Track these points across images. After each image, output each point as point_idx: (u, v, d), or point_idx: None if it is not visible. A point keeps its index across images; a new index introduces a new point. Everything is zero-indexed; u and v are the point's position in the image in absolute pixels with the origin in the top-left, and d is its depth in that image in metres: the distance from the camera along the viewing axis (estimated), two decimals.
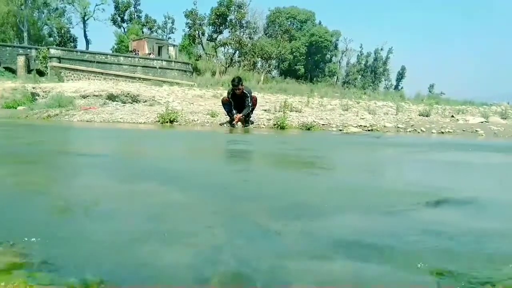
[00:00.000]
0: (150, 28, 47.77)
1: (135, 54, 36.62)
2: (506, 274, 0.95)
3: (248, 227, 1.31)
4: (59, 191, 1.82)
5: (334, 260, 1.02)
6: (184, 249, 1.06)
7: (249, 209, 1.55)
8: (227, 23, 40.73)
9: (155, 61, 35.33)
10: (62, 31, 46.36)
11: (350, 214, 1.54)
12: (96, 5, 47.81)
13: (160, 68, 34.57)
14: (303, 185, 2.18)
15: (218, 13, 39.32)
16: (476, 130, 8.43)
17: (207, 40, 43.11)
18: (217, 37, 41.67)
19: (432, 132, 8.22)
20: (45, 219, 1.32)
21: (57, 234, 1.14)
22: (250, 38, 42.39)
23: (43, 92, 13.96)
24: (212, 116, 8.93)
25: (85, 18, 47.69)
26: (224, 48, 43.22)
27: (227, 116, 8.13)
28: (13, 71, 30.09)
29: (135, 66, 33.82)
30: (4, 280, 0.79)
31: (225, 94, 8.69)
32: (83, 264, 0.92)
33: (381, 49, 56.59)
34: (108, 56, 33.64)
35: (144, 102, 12.57)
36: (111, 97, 12.68)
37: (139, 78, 30.62)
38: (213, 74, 35.36)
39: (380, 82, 56.69)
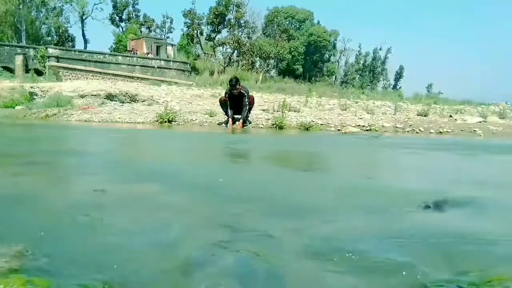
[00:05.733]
0: (148, 28, 47.64)
1: (134, 53, 36.54)
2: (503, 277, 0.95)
3: (244, 229, 1.31)
4: (57, 193, 1.82)
5: (330, 267, 1.02)
6: (180, 252, 1.06)
7: (245, 211, 1.55)
8: (225, 22, 40.72)
9: (153, 60, 35.27)
10: (60, 31, 46.21)
11: (347, 216, 1.54)
12: (94, 4, 47.72)
13: (158, 67, 34.51)
14: (301, 187, 2.18)
15: (216, 13, 39.30)
16: (475, 130, 8.44)
17: (206, 39, 43.08)
18: (215, 36, 41.66)
19: (431, 132, 8.23)
20: (43, 222, 1.32)
21: (56, 238, 1.14)
22: (248, 37, 42.39)
23: (41, 91, 13.95)
24: (211, 116, 8.93)
25: (83, 18, 47.57)
26: (223, 48, 43.25)
27: (225, 116, 8.14)
28: (11, 70, 29.97)
29: (133, 65, 33.76)
30: (3, 284, 0.79)
31: (223, 93, 8.70)
32: (82, 269, 0.92)
33: (380, 48, 56.69)
34: (106, 55, 33.55)
35: (142, 101, 12.58)
36: (110, 97, 12.67)
37: (138, 78, 30.61)
38: (212, 73, 35.35)
39: (378, 81, 56.75)
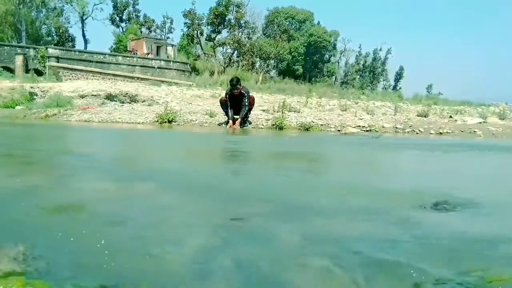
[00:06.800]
0: (148, 28, 47.64)
1: (134, 54, 36.56)
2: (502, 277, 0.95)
3: (244, 229, 1.31)
4: (57, 194, 1.82)
5: (330, 267, 1.01)
6: (181, 253, 1.06)
7: (245, 211, 1.55)
8: (225, 23, 40.72)
9: (153, 61, 35.28)
10: (60, 31, 46.22)
11: (347, 217, 1.53)
12: (95, 4, 47.72)
13: (158, 68, 34.53)
14: (301, 187, 2.18)
15: (216, 13, 39.29)
16: (474, 131, 8.44)
17: (206, 40, 43.09)
18: (215, 37, 41.66)
19: (431, 133, 8.22)
20: (42, 223, 1.32)
21: (55, 239, 1.14)
22: (248, 38, 42.39)
23: (41, 91, 13.94)
24: (211, 116, 8.93)
25: (84, 18, 47.57)
26: (223, 48, 43.27)
27: (226, 116, 8.14)
28: (11, 70, 29.99)
29: (133, 66, 33.77)
30: (2, 286, 0.79)
31: (223, 94, 8.70)
32: (81, 271, 0.92)
33: (380, 49, 56.67)
34: (107, 55, 33.57)
35: (142, 102, 12.58)
36: (110, 97, 12.67)
37: (138, 78, 30.61)
38: (212, 74, 35.35)
39: (378, 82, 56.74)
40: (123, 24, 48.78)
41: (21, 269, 0.89)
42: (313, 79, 47.28)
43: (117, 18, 48.52)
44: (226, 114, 8.06)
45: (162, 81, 26.38)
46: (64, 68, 29.70)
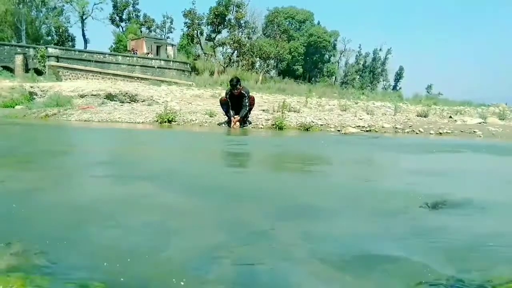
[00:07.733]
0: (148, 28, 47.67)
1: (134, 53, 36.56)
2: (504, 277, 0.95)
3: (245, 229, 1.31)
4: (57, 193, 1.82)
5: (331, 268, 1.02)
6: (183, 253, 1.06)
7: (246, 211, 1.55)
8: (225, 23, 40.73)
9: (153, 60, 35.29)
10: (60, 30, 46.24)
11: (347, 217, 1.53)
12: (95, 4, 47.74)
13: (158, 67, 34.54)
14: (301, 188, 2.18)
15: (216, 13, 39.30)
16: (474, 131, 8.43)
17: (206, 39, 43.10)
18: (215, 36, 41.67)
19: (430, 133, 8.22)
20: (43, 221, 1.32)
21: (56, 237, 1.14)
22: (248, 38, 42.39)
23: (41, 91, 13.92)
24: (211, 116, 8.92)
25: (83, 17, 47.59)
26: (223, 48, 43.29)
27: (226, 116, 8.14)
28: (11, 70, 30.01)
29: (133, 65, 33.78)
30: (3, 282, 0.79)
31: (223, 94, 8.69)
32: (82, 268, 0.92)
33: (380, 49, 56.71)
34: (106, 55, 33.60)
35: (142, 101, 12.57)
36: (109, 97, 12.66)
37: (138, 78, 30.59)
38: (212, 74, 35.35)
39: (378, 82, 56.76)
40: (123, 24, 48.83)
41: (21, 265, 0.89)
42: (313, 79, 47.31)
43: (117, 18, 48.53)
44: (226, 114, 8.05)
45: (162, 81, 26.35)
46: (64, 67, 29.66)
